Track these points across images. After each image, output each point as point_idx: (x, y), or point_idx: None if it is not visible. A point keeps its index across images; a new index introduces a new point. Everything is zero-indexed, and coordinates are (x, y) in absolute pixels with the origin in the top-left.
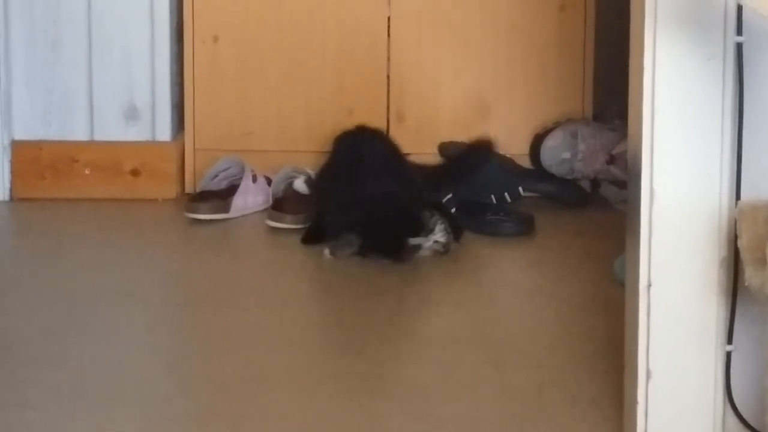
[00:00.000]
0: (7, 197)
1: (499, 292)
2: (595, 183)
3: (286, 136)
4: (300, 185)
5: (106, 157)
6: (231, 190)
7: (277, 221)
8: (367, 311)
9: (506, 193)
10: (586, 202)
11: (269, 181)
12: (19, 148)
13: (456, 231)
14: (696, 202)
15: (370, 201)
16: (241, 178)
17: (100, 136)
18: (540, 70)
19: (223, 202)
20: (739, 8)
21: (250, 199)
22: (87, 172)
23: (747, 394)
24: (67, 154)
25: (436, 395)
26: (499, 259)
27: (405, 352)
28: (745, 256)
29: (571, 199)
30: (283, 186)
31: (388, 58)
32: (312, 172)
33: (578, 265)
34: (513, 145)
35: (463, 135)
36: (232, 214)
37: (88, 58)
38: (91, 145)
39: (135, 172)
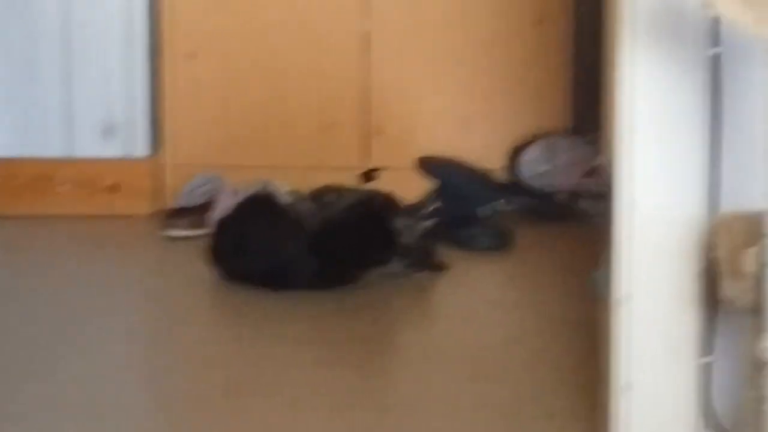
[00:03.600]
0: None
1: (477, 305)
2: (573, 196)
3: (264, 151)
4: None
5: (83, 174)
6: (208, 205)
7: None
8: (346, 326)
9: (484, 207)
10: (564, 216)
11: None
12: None
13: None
14: (674, 214)
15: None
16: (219, 193)
17: (77, 152)
18: (518, 84)
19: (201, 217)
20: (716, 20)
21: None
22: (64, 188)
23: (725, 406)
24: (44, 171)
25: (415, 409)
26: (477, 273)
27: (384, 366)
28: (722, 267)
29: (550, 213)
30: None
31: (368, 73)
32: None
33: (556, 279)
34: (491, 158)
35: (443, 149)
36: (209, 229)
37: (65, 75)
38: (68, 161)
39: (112, 189)
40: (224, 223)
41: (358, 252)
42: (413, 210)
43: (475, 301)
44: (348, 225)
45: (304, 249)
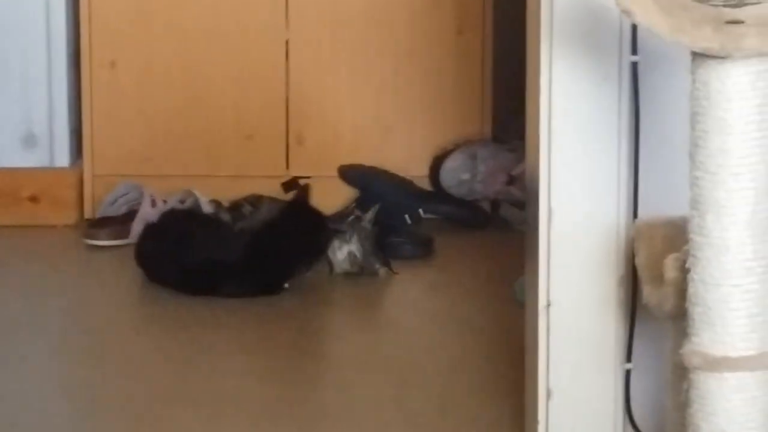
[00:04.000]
0: None
1: (400, 314)
2: (495, 204)
3: (186, 160)
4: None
5: (3, 184)
6: (130, 215)
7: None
8: (269, 335)
9: (406, 216)
10: (486, 224)
11: None
12: None
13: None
14: (594, 221)
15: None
16: (140, 203)
17: None
18: (439, 92)
19: (123, 227)
20: (634, 28)
21: None
22: None
23: (646, 412)
24: None
25: (339, 418)
26: (400, 282)
27: (307, 375)
28: (642, 274)
29: (472, 221)
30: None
31: (287, 82)
32: (201, 198)
33: (479, 286)
34: (413, 167)
35: (364, 158)
36: (131, 239)
37: None
38: None
39: (33, 199)
40: (150, 231)
41: (295, 249)
42: (335, 219)
43: (399, 309)
44: (285, 223)
45: (240, 252)
